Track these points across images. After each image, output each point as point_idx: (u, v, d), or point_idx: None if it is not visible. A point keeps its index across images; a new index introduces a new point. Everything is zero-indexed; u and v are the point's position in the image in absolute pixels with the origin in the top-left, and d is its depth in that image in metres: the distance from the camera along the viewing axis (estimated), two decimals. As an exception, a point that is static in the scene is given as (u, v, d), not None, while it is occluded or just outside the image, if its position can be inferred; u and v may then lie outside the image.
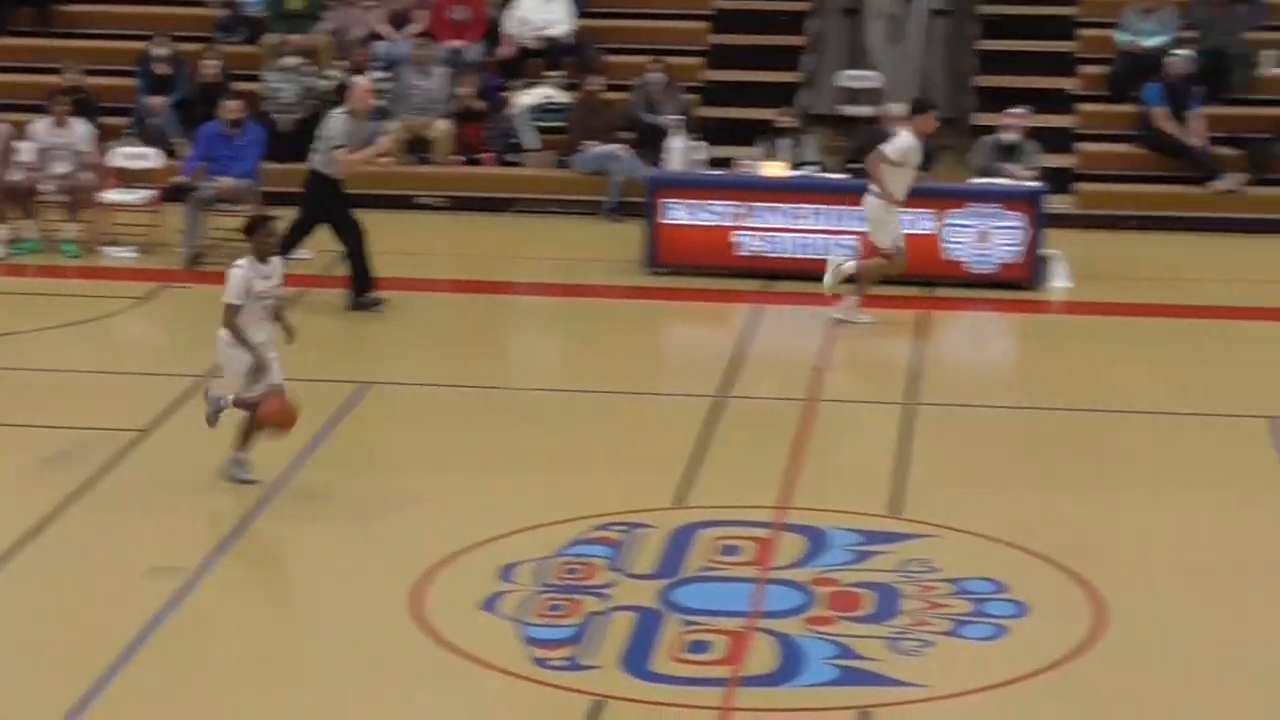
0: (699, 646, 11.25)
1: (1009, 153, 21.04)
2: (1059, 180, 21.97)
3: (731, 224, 19.74)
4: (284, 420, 13.37)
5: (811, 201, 19.90)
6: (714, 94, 24.04)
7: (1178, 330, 18.96)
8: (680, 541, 12.74)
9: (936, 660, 11.14)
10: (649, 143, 22.29)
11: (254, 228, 13.69)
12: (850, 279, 18.26)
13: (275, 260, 13.57)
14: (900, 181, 18.04)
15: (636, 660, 11.03)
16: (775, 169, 20.62)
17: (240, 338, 13.26)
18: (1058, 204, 21.51)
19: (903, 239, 18.35)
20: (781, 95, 23.37)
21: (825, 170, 21.33)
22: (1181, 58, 22.80)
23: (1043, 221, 19.93)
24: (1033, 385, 17.46)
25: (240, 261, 13.41)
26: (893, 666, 11.00)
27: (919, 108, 18.74)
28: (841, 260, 18.38)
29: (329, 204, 18.41)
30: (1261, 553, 13.07)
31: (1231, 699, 10.86)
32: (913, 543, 12.89)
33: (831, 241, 19.21)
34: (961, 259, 19.75)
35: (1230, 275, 20.73)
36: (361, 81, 19.42)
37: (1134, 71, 23.27)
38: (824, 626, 11.52)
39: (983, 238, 19.74)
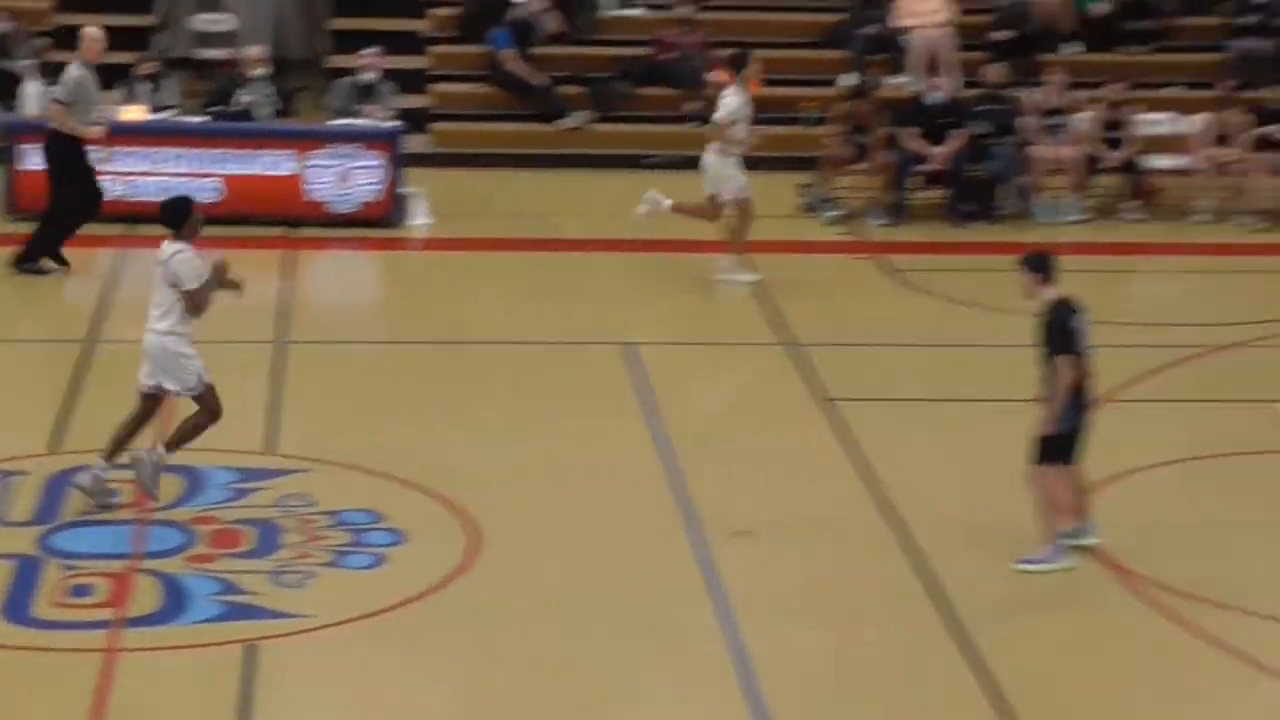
0: (81, 590, 11.28)
1: (366, 94, 21.30)
2: (415, 120, 22.41)
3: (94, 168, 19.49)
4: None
5: (172, 145, 19.87)
6: (66, 39, 23.58)
7: (533, 262, 19.63)
8: (57, 487, 12.65)
9: (319, 591, 11.42)
10: (4, 89, 21.75)
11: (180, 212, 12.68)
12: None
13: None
14: (740, 134, 18.19)
15: (17, 607, 10.99)
16: (134, 113, 20.42)
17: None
18: (415, 143, 21.92)
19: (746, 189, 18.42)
20: (139, 39, 23.12)
21: (184, 114, 21.24)
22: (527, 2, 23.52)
23: (402, 161, 20.39)
24: (399, 321, 17.91)
25: (179, 245, 12.38)
26: (276, 599, 11.24)
27: (739, 61, 18.66)
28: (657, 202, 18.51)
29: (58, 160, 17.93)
30: (619, 474, 13.71)
31: (592, 623, 11.41)
32: (290, 478, 13.15)
33: (194, 185, 19.09)
34: (323, 199, 20.03)
35: (579, 209, 21.54)
36: (90, 31, 18.58)
37: (483, 14, 23.80)
38: (206, 564, 11.68)
39: (343, 178, 20.05)
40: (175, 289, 12.32)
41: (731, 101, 18.23)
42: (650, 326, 17.33)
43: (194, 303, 12.38)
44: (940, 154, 20.94)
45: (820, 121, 22.30)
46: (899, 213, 21.08)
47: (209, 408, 12.60)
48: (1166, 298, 19.62)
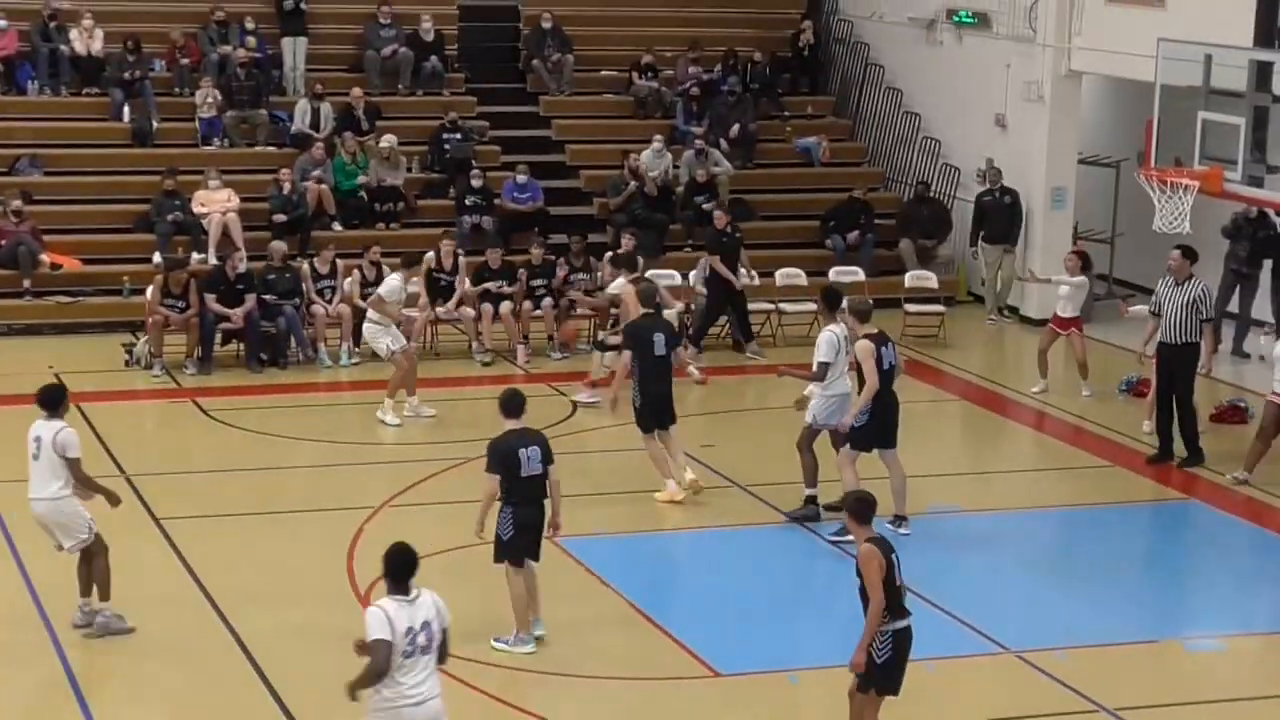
0: None
1: None
2: None
3: None
4: None
5: None
6: None
7: None
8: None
9: None
10: None
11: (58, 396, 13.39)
12: None
13: None
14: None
15: None
16: None
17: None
18: None
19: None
20: None
21: None
22: None
23: None
24: None
25: (58, 422, 13.13)
26: None
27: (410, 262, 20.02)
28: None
29: None
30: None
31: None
32: None
33: None
34: None
35: None
36: None
37: None
38: None
39: None
40: (62, 458, 12.97)
41: (392, 281, 19.58)
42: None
43: (76, 470, 13.04)
44: (238, 314, 21.42)
45: (137, 291, 22.73)
46: (206, 363, 21.45)
47: (102, 545, 13.29)
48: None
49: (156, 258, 23.73)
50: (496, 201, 25.74)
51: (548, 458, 13.34)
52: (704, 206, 25.75)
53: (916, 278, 25.49)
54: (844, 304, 16.70)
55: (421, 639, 9.85)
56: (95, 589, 13.49)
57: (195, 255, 23.98)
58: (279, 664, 13.13)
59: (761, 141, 28.42)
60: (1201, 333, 18.74)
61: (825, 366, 16.17)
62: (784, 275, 24.79)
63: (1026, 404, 21.41)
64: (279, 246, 22.81)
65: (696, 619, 14.28)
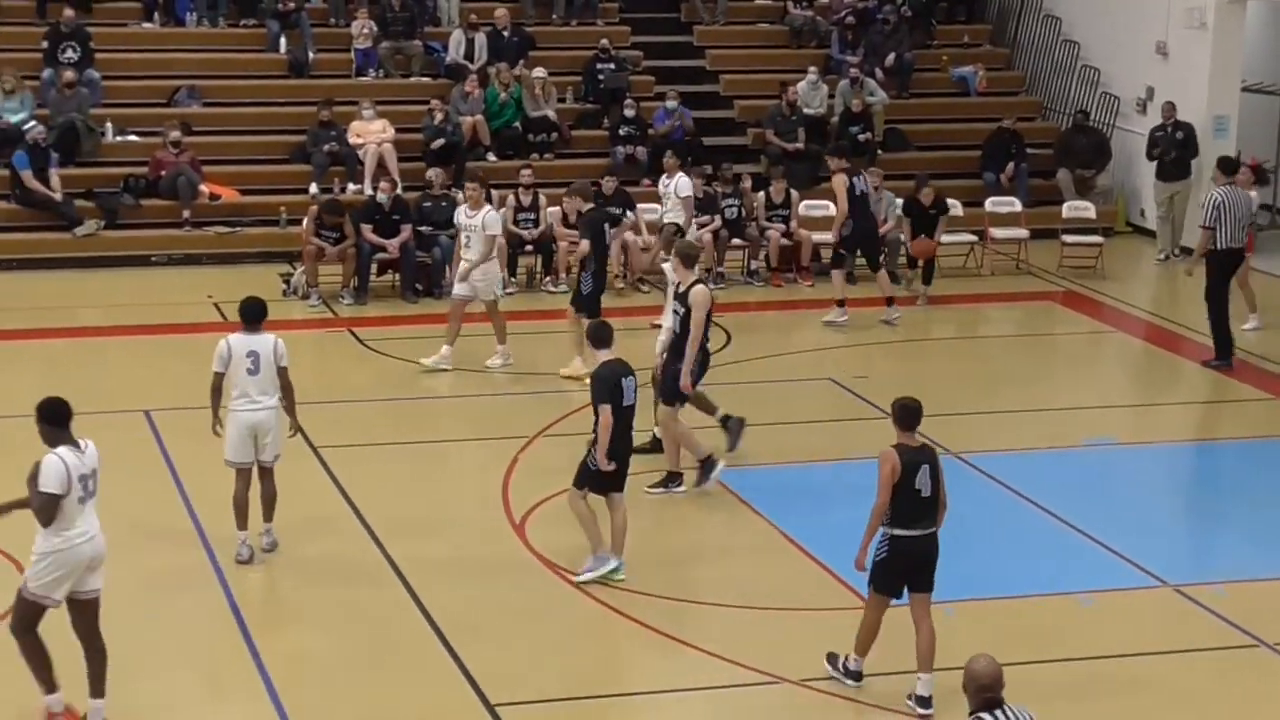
0: None
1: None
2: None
3: None
4: None
5: None
6: None
7: (61, 349, 19.88)
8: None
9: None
10: None
11: None
12: None
13: None
14: None
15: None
16: None
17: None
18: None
19: None
20: None
21: None
22: (38, 129, 23.58)
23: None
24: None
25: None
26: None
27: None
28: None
29: None
30: (152, 520, 14.60)
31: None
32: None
33: None
34: None
35: (97, 303, 21.86)
36: None
37: (2, 142, 23.81)
38: None
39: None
40: (278, 367, 13.50)
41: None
42: (164, 395, 17.43)
43: (286, 379, 13.56)
44: (393, 245, 21.67)
45: (294, 222, 23.07)
46: (362, 293, 21.61)
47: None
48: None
49: (313, 188, 24.04)
50: (650, 131, 25.67)
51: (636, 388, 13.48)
52: (859, 137, 25.54)
53: (1074, 208, 25.11)
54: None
55: (91, 485, 10.76)
56: (265, 509, 13.78)
57: (351, 186, 24.24)
58: (432, 590, 13.25)
59: (917, 71, 28.09)
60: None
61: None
62: (939, 206, 24.51)
63: (1187, 337, 21.03)
64: (437, 175, 22.74)
65: (846, 548, 14.19)
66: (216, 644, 12.37)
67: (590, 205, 19.37)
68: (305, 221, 21.91)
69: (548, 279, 22.68)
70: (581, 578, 13.36)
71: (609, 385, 13.15)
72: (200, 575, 13.46)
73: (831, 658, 11.97)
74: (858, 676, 11.82)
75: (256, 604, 13.00)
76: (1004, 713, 8.56)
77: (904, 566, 11.44)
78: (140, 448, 16.13)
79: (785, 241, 23.30)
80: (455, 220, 19.36)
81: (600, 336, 13.55)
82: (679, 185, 21.20)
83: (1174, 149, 24.99)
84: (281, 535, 13.92)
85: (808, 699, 11.81)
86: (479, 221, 18.76)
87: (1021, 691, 11.69)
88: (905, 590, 11.56)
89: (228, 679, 11.91)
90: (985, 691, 8.45)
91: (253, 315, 13.66)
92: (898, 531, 11.35)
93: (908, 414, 11.43)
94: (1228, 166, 20.06)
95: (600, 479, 13.32)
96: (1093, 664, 12.34)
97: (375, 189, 22.69)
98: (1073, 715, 11.59)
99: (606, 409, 13.10)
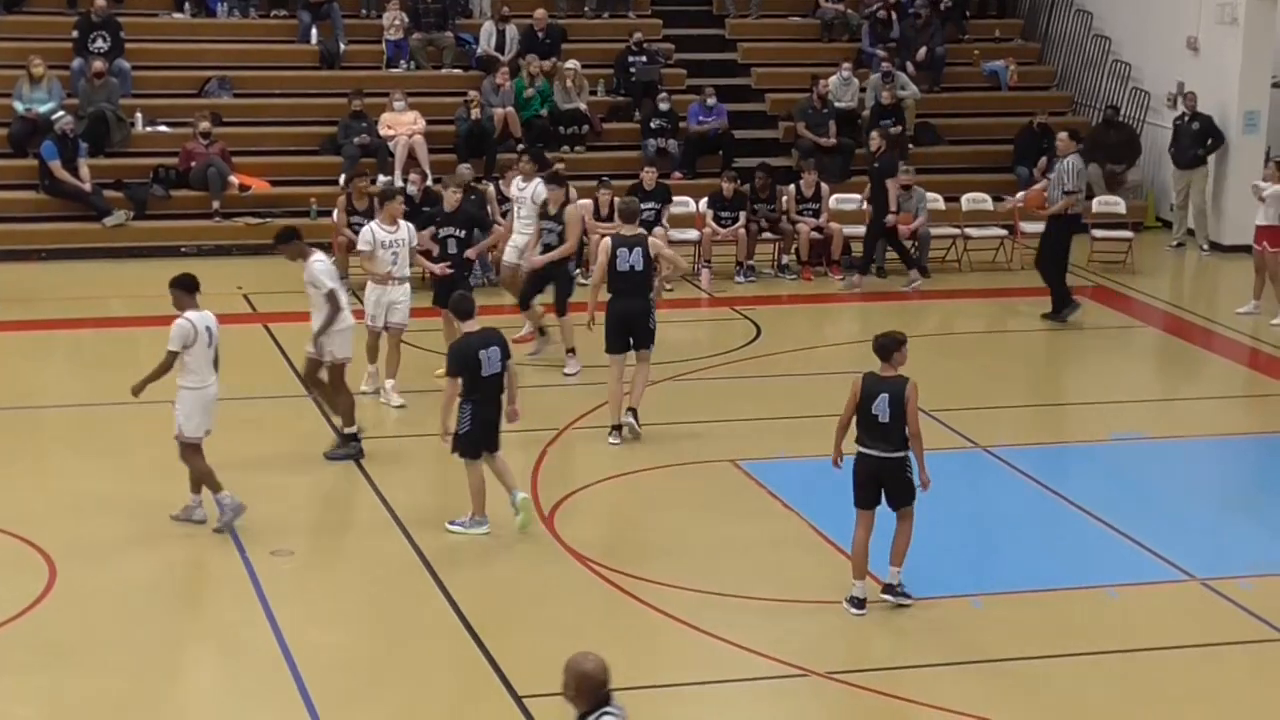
0: None
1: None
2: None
3: None
4: None
5: None
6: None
7: (90, 339, 20.01)
8: None
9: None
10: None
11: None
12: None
13: None
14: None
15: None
16: None
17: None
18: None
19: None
20: None
21: None
22: (67, 119, 23.66)
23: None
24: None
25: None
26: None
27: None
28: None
29: None
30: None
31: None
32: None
33: None
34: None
35: (126, 293, 21.89)
36: None
37: (30, 132, 24.01)
38: None
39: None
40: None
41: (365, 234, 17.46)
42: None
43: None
44: (424, 236, 21.10)
45: (324, 214, 23.11)
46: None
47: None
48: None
49: (343, 180, 23.92)
50: (681, 125, 25.68)
51: (506, 354, 13.85)
52: (890, 130, 25.56)
53: (1104, 203, 25.09)
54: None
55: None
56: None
57: (382, 177, 24.20)
58: (460, 582, 13.30)
59: (948, 65, 28.08)
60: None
61: None
62: (970, 200, 24.53)
63: (1217, 331, 21.02)
64: (465, 171, 22.38)
65: (874, 543, 14.22)
66: (244, 634, 12.43)
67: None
68: (335, 213, 21.89)
69: (578, 270, 22.67)
70: (451, 527, 14.02)
71: (462, 358, 13.64)
72: (229, 568, 13.53)
73: (888, 589, 12.87)
74: (859, 604, 12.78)
75: (286, 596, 13.06)
76: (616, 709, 8.22)
77: (863, 479, 12.68)
78: (170, 439, 16.03)
79: (816, 235, 23.32)
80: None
81: (462, 309, 14.02)
82: (535, 192, 19.34)
83: (1189, 140, 25.04)
84: (311, 527, 13.97)
85: (836, 692, 11.84)
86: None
87: (1049, 684, 11.79)
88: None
89: (256, 671, 11.96)
90: (601, 689, 8.11)
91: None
92: (860, 449, 12.66)
93: (879, 347, 12.72)
94: None
95: (471, 441, 13.77)
96: (1120, 657, 12.36)
97: (405, 181, 22.76)
98: (1100, 707, 11.63)
99: (454, 382, 13.63)
